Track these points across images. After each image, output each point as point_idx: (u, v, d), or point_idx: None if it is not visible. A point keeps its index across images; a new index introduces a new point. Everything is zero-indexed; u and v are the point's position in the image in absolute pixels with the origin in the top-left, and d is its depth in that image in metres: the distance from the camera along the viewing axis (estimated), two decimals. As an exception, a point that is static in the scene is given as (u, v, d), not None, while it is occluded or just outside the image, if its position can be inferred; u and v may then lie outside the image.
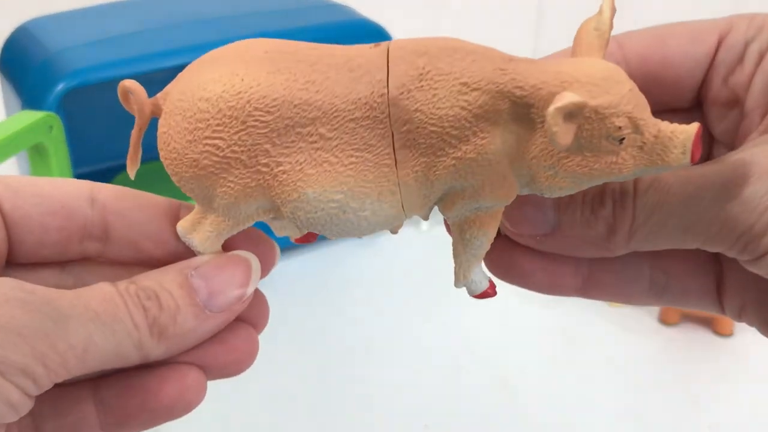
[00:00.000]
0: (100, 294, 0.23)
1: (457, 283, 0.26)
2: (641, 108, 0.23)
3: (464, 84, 0.23)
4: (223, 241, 0.25)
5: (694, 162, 0.22)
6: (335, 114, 0.23)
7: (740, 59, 0.27)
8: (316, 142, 0.23)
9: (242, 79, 0.23)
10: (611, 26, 0.24)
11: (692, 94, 0.28)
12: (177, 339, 0.24)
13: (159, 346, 0.23)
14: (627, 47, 0.28)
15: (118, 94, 0.25)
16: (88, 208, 0.26)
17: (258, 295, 0.26)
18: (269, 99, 0.23)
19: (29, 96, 0.52)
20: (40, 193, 0.26)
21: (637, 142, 0.23)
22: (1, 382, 0.21)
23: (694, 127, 0.22)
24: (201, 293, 0.24)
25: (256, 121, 0.23)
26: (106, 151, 0.69)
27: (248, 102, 0.23)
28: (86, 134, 0.66)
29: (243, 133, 0.23)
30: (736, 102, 0.27)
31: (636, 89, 0.23)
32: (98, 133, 0.68)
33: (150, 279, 0.24)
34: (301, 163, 0.24)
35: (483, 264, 0.26)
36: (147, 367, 0.25)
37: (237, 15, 0.60)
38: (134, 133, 0.25)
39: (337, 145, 0.24)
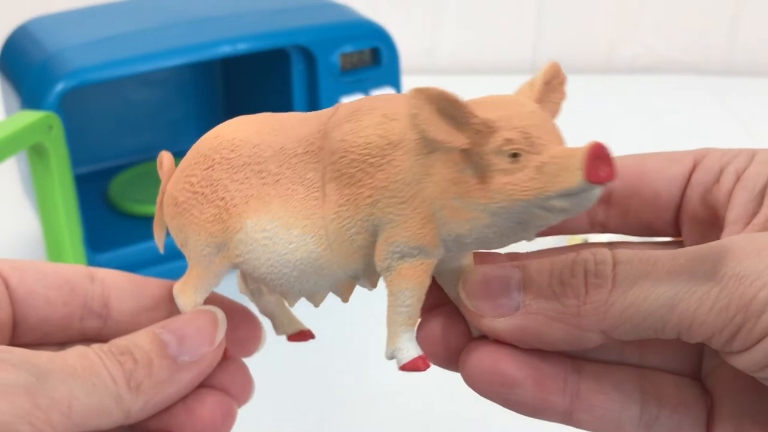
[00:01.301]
0: (76, 352, 0.24)
1: (387, 350, 0.24)
2: (543, 130, 0.22)
3: (385, 115, 0.24)
4: (203, 299, 0.27)
5: (594, 181, 0.21)
6: (283, 151, 0.25)
7: (717, 179, 0.26)
8: (264, 177, 0.25)
9: (227, 128, 0.26)
10: (545, 82, 0.24)
11: (671, 213, 0.27)
12: (154, 391, 0.24)
13: (138, 399, 0.24)
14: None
15: (157, 162, 0.28)
16: (88, 284, 0.27)
17: (240, 366, 0.27)
18: (237, 140, 0.26)
19: (28, 96, 0.52)
20: (43, 270, 0.27)
21: (534, 162, 0.21)
22: None
23: (591, 143, 0.21)
24: (171, 345, 0.25)
25: (222, 158, 0.25)
26: (105, 151, 0.69)
27: (220, 143, 0.26)
28: (85, 134, 0.66)
29: (210, 169, 0.25)
30: (715, 220, 0.26)
31: (540, 114, 0.22)
32: (97, 133, 0.68)
33: (122, 339, 0.25)
34: (248, 197, 0.25)
35: (413, 333, 0.24)
36: None
37: (237, 15, 0.60)
38: (158, 197, 0.27)
39: (279, 180, 0.25)
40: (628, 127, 0.83)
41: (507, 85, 0.93)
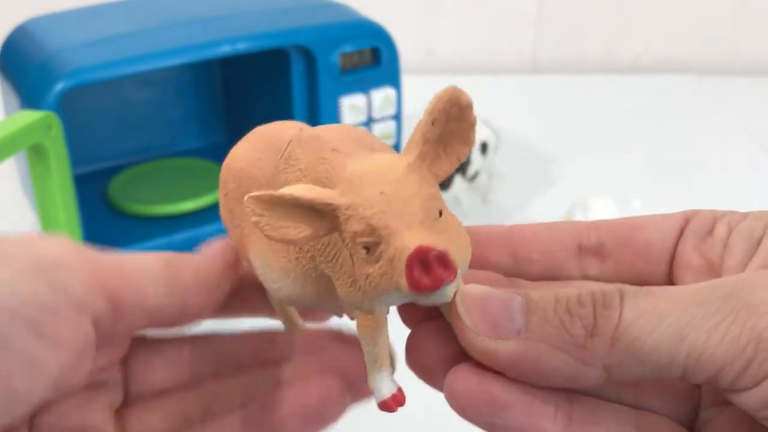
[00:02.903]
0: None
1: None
2: (390, 215, 0.20)
3: (300, 170, 0.24)
4: (288, 311, 0.29)
5: (416, 291, 0.19)
6: (270, 185, 0.25)
7: (710, 230, 0.25)
8: None
9: (234, 155, 0.27)
10: (437, 117, 0.21)
11: (664, 265, 0.26)
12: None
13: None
14: (600, 225, 0.27)
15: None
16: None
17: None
18: (239, 170, 0.27)
19: (28, 96, 0.52)
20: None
21: (386, 254, 0.20)
22: None
23: (415, 248, 0.19)
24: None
25: (231, 189, 0.27)
26: (105, 151, 0.69)
27: (229, 171, 0.27)
28: (85, 134, 0.66)
29: (226, 197, 0.27)
30: (710, 268, 0.25)
31: (393, 192, 0.20)
32: (97, 133, 0.68)
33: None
34: (251, 229, 0.26)
35: (383, 374, 0.24)
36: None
37: (237, 15, 0.60)
38: None
39: None
40: (628, 127, 0.83)
41: (507, 85, 0.93)
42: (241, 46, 0.55)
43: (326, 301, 0.25)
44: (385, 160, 0.22)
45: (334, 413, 0.27)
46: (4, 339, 0.21)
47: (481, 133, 0.69)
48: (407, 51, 0.72)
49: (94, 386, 0.27)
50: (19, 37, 0.59)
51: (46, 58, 0.53)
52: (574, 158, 0.76)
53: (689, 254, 0.26)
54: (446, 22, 0.97)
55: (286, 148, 0.25)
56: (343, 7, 0.63)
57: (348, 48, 0.59)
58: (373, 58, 0.60)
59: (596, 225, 0.27)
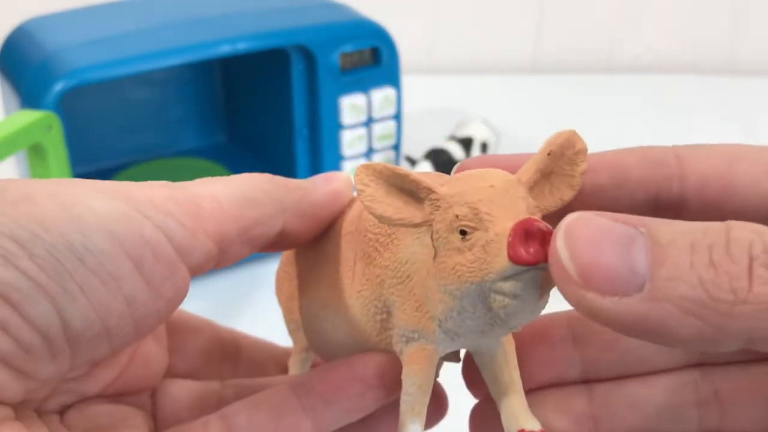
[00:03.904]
0: None
1: None
2: (495, 205, 0.20)
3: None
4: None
5: (517, 262, 0.18)
6: (336, 231, 0.25)
7: None
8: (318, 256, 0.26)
9: None
10: (555, 153, 0.22)
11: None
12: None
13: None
14: (687, 163, 0.22)
15: None
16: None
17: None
18: None
19: (28, 95, 0.52)
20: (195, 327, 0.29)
21: (482, 241, 0.20)
22: None
23: (519, 221, 0.19)
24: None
25: None
26: (104, 151, 0.69)
27: None
28: (85, 134, 0.66)
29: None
30: None
31: (502, 189, 0.20)
32: (97, 132, 0.68)
33: None
34: (305, 270, 0.27)
35: (417, 425, 0.22)
36: None
37: (236, 15, 0.60)
38: None
39: (330, 259, 0.25)
40: (628, 127, 0.83)
41: (507, 85, 0.93)
42: (241, 46, 0.55)
43: (365, 346, 0.24)
44: (497, 170, 0.22)
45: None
46: (115, 269, 0.20)
47: (481, 133, 0.69)
48: (407, 51, 0.72)
49: (133, 405, 0.26)
50: (19, 37, 0.59)
51: (45, 58, 0.53)
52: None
53: None
54: (446, 22, 0.97)
55: None
56: (343, 7, 0.63)
57: (348, 48, 0.59)
58: (373, 58, 0.60)
59: (682, 168, 0.22)
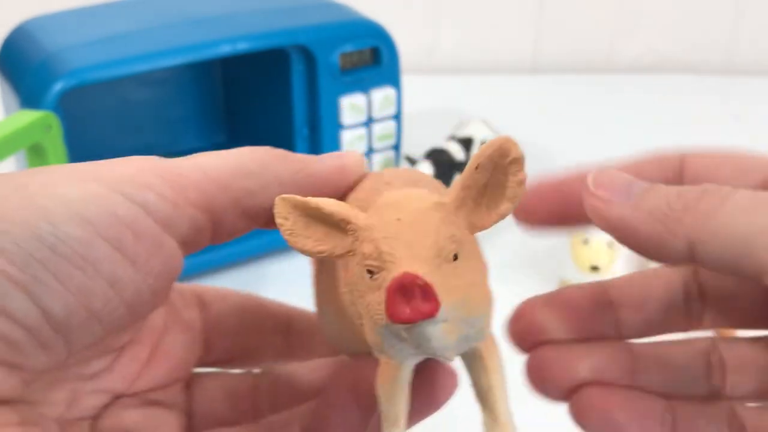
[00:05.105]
0: None
1: None
2: (399, 242, 0.19)
3: (357, 199, 0.23)
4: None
5: (394, 321, 0.18)
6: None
7: None
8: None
9: None
10: (483, 165, 0.21)
11: None
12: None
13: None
14: (688, 165, 0.26)
15: None
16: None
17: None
18: None
19: (27, 95, 0.52)
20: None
21: (385, 283, 0.19)
22: None
23: (397, 275, 0.18)
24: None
25: None
26: (104, 151, 0.68)
27: None
28: (84, 134, 0.66)
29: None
30: None
31: (410, 223, 0.20)
32: (97, 132, 0.68)
33: None
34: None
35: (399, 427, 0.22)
36: None
37: (236, 14, 0.60)
38: None
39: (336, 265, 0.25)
40: (628, 127, 0.83)
41: (507, 85, 0.93)
42: (241, 46, 0.55)
43: (366, 346, 0.24)
44: (417, 192, 0.21)
45: None
46: (89, 253, 0.20)
47: (480, 133, 0.69)
48: (407, 51, 0.72)
49: (165, 405, 0.26)
50: (19, 37, 0.59)
51: (45, 58, 0.53)
52: (574, 158, 0.76)
53: None
54: (446, 22, 0.97)
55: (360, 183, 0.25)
56: (343, 7, 0.63)
57: (348, 48, 0.59)
58: (373, 58, 0.60)
59: (683, 169, 0.26)
